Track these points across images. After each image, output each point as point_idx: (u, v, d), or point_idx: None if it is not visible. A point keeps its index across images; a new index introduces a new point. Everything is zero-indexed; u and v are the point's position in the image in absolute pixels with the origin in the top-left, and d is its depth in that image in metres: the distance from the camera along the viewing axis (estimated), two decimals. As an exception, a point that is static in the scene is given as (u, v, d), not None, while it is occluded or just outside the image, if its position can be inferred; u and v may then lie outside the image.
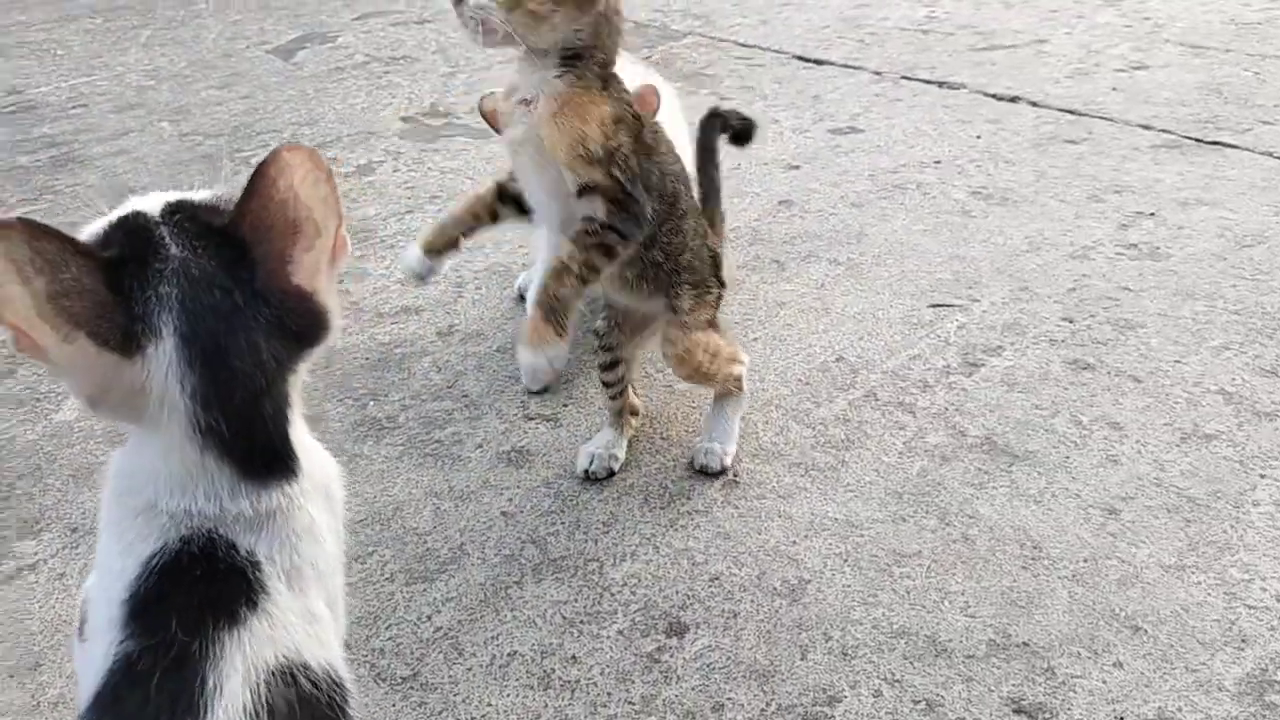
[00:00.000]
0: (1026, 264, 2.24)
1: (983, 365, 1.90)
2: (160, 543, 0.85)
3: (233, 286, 0.82)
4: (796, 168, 2.77)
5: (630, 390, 1.72)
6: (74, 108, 3.50)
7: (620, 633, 1.38)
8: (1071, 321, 2.02)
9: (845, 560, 1.48)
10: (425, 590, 1.46)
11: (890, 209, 2.53)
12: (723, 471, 1.66)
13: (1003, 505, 1.57)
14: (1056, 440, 1.70)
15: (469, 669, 1.34)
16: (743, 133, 1.74)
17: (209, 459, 0.83)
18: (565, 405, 1.86)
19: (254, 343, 0.82)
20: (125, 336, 0.80)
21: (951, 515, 1.55)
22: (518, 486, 1.66)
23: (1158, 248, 2.27)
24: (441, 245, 1.56)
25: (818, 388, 1.87)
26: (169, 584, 0.84)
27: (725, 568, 1.48)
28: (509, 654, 1.36)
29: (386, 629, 1.40)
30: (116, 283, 0.81)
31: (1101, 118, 2.99)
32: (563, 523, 1.58)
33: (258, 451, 0.85)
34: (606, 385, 1.68)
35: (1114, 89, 3.19)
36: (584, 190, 1.42)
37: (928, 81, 3.36)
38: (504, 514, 1.61)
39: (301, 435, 0.90)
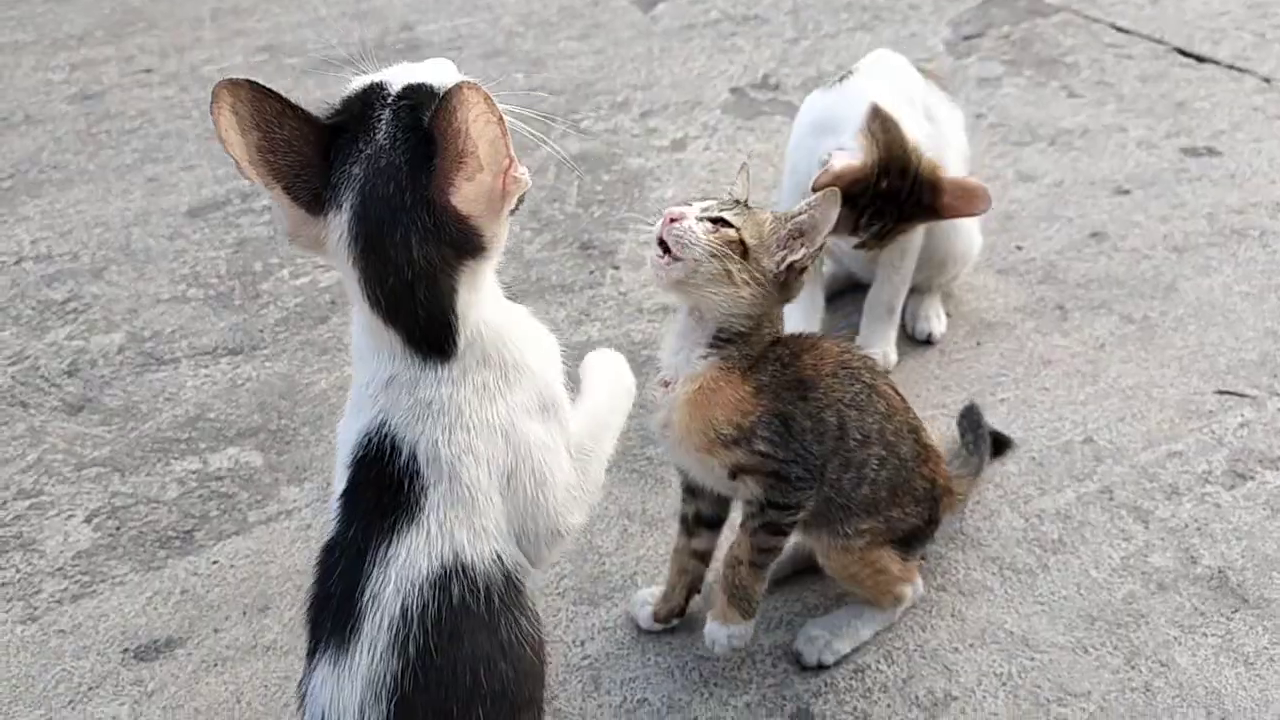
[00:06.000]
0: (1359, 356, 1.93)
1: (1251, 479, 1.69)
2: (362, 428, 1.03)
3: (406, 187, 0.96)
4: (1126, 192, 2.52)
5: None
6: (450, 49, 3.83)
7: (748, 705, 1.41)
8: (1386, 443, 1.73)
9: (1003, 684, 1.41)
10: (589, 614, 1.56)
11: (1217, 259, 2.25)
12: (819, 668, 1.46)
13: (1205, 658, 1.41)
14: (1305, 593, 1.49)
15: (600, 705, 1.43)
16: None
17: (378, 319, 1.00)
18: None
19: (407, 239, 0.96)
20: (314, 198, 0.98)
21: (1141, 658, 1.42)
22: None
23: None
24: (666, 614, 1.52)
25: (1049, 471, 1.74)
26: (360, 480, 1.02)
27: (874, 660, 1.46)
28: (639, 699, 1.43)
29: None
30: (330, 147, 0.98)
31: None
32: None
33: (418, 327, 1.00)
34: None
35: None
36: (734, 474, 1.35)
37: (1327, 95, 2.89)
38: (685, 549, 1.65)
39: (485, 318, 1.03)
